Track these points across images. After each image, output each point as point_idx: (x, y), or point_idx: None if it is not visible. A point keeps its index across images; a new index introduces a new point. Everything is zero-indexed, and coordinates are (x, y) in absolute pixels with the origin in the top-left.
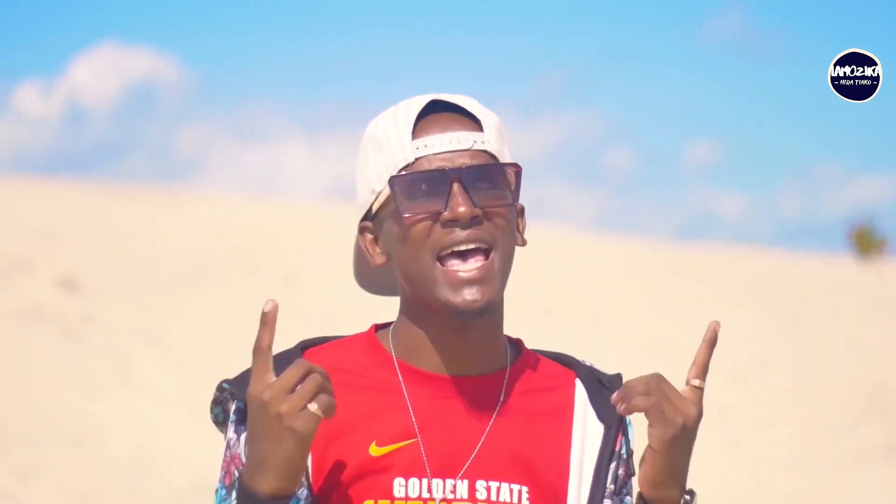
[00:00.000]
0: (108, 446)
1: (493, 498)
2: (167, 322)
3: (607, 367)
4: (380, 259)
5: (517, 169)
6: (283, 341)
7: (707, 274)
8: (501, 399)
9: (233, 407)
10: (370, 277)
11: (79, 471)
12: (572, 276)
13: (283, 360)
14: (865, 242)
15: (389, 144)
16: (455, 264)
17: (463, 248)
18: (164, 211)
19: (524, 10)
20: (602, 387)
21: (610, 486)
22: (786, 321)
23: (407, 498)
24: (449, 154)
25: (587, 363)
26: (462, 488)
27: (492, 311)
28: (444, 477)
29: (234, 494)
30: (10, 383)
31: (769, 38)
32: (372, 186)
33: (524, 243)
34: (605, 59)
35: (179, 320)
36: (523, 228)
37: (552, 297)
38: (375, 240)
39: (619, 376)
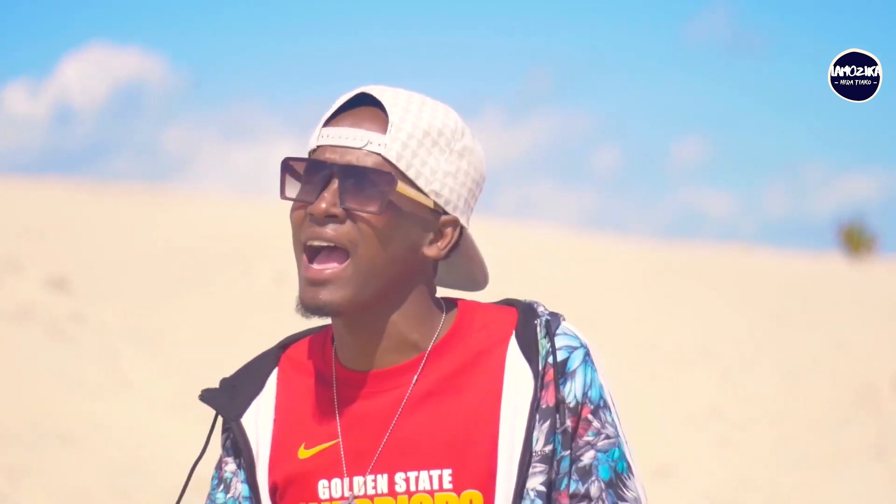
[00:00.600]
0: (100, 447)
1: (413, 488)
2: (157, 322)
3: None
4: None
5: (388, 179)
6: (276, 341)
7: (697, 273)
8: (412, 386)
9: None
10: None
11: (69, 471)
12: (562, 275)
13: (262, 361)
14: (855, 241)
15: (313, 129)
16: (312, 260)
17: (316, 243)
18: (153, 211)
19: (511, 9)
20: (541, 334)
21: (545, 449)
22: (775, 320)
23: (331, 499)
24: (342, 149)
25: (538, 308)
26: (382, 482)
27: (342, 312)
28: (362, 474)
29: (221, 486)
30: (0, 383)
31: (755, 37)
32: None
33: (437, 255)
34: (592, 58)
35: (170, 320)
36: (447, 241)
37: (542, 296)
38: None
39: (557, 316)
